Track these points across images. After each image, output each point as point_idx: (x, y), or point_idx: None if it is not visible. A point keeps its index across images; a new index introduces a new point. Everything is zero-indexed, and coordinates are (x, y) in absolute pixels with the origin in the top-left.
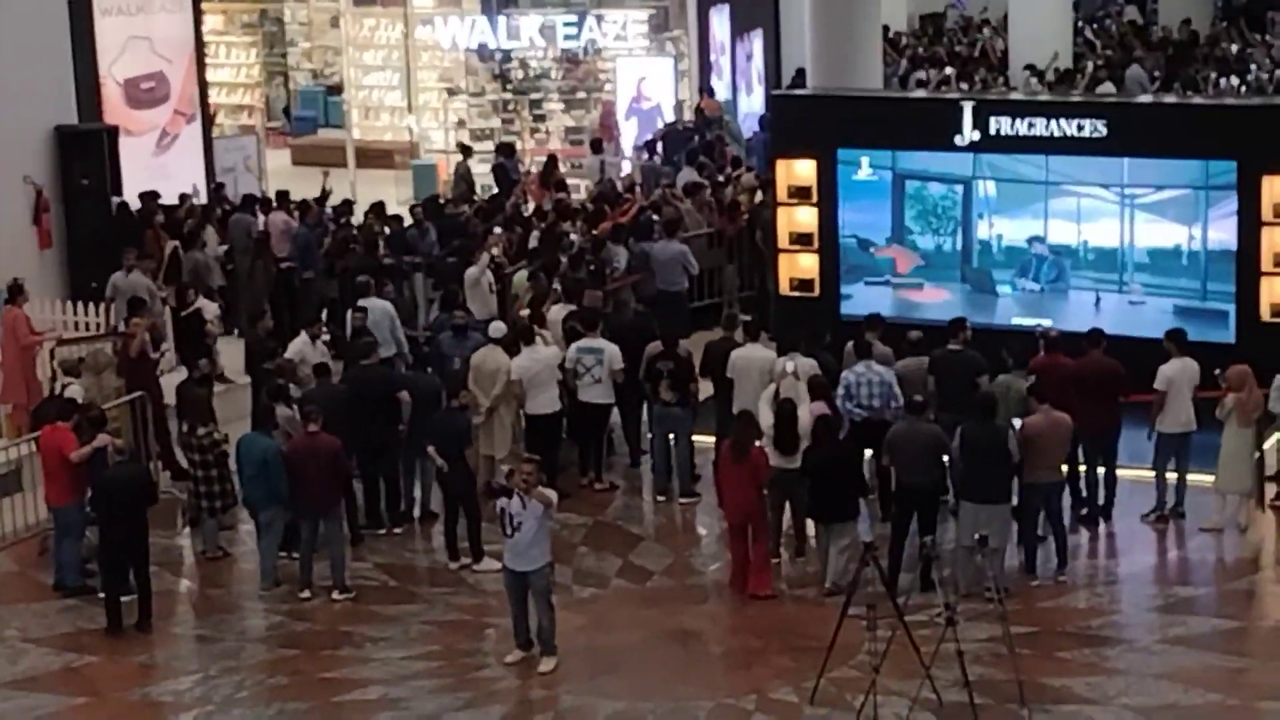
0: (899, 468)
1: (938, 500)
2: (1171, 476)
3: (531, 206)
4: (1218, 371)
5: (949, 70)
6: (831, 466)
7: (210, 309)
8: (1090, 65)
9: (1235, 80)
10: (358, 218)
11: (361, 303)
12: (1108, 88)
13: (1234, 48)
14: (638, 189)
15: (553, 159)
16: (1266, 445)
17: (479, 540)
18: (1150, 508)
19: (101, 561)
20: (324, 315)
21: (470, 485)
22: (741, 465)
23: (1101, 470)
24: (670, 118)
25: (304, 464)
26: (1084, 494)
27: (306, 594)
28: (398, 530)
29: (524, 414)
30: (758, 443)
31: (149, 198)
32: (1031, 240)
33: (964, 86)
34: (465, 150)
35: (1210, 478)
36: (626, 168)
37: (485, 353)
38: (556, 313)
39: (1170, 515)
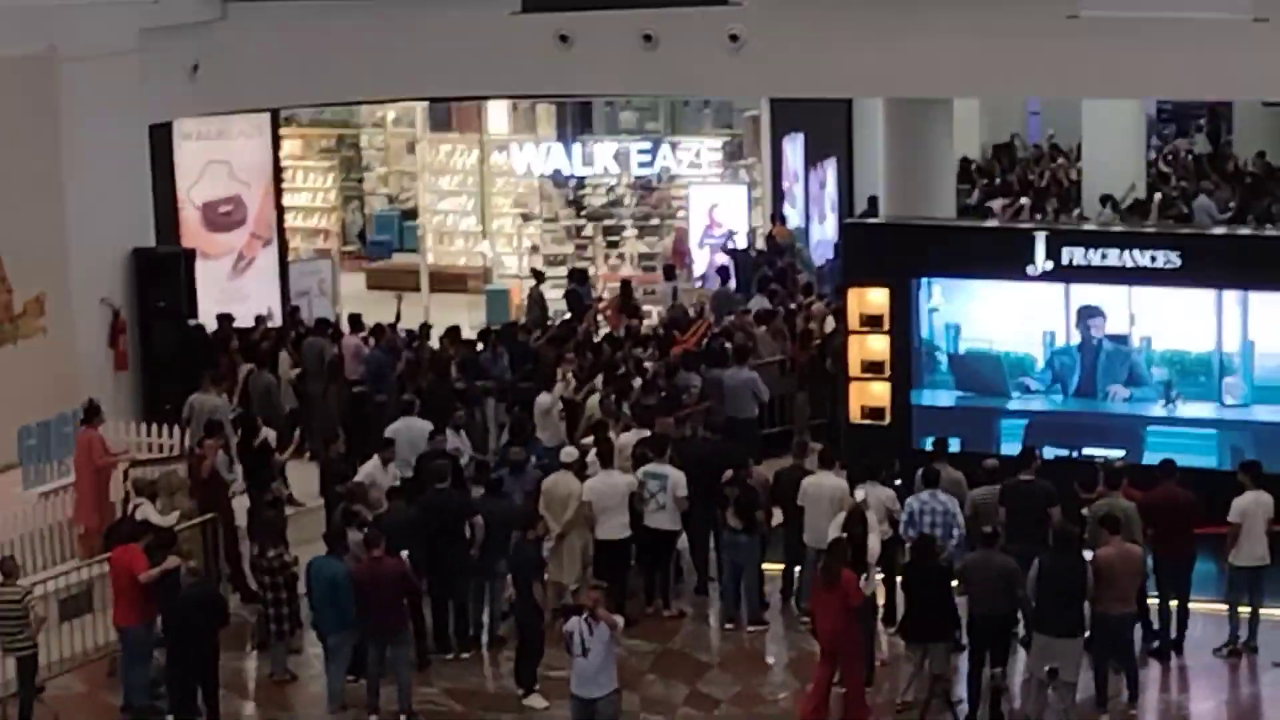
0: (972, 598)
1: (1010, 631)
2: (1245, 610)
3: (604, 331)
4: None
5: (1024, 200)
6: (930, 585)
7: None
8: (1160, 196)
9: None
10: (434, 341)
11: (400, 421)
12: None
13: None
14: (708, 312)
15: (627, 284)
16: None
17: (532, 674)
18: (1223, 642)
19: (170, 683)
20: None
21: (535, 617)
22: (832, 592)
23: (1174, 603)
24: (741, 244)
25: (369, 588)
26: (1155, 626)
27: (373, 718)
28: (465, 655)
29: (594, 539)
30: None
31: (224, 320)
32: None
33: (1037, 216)
34: (538, 275)
35: None
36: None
37: (557, 478)
38: (628, 439)
39: (1243, 650)
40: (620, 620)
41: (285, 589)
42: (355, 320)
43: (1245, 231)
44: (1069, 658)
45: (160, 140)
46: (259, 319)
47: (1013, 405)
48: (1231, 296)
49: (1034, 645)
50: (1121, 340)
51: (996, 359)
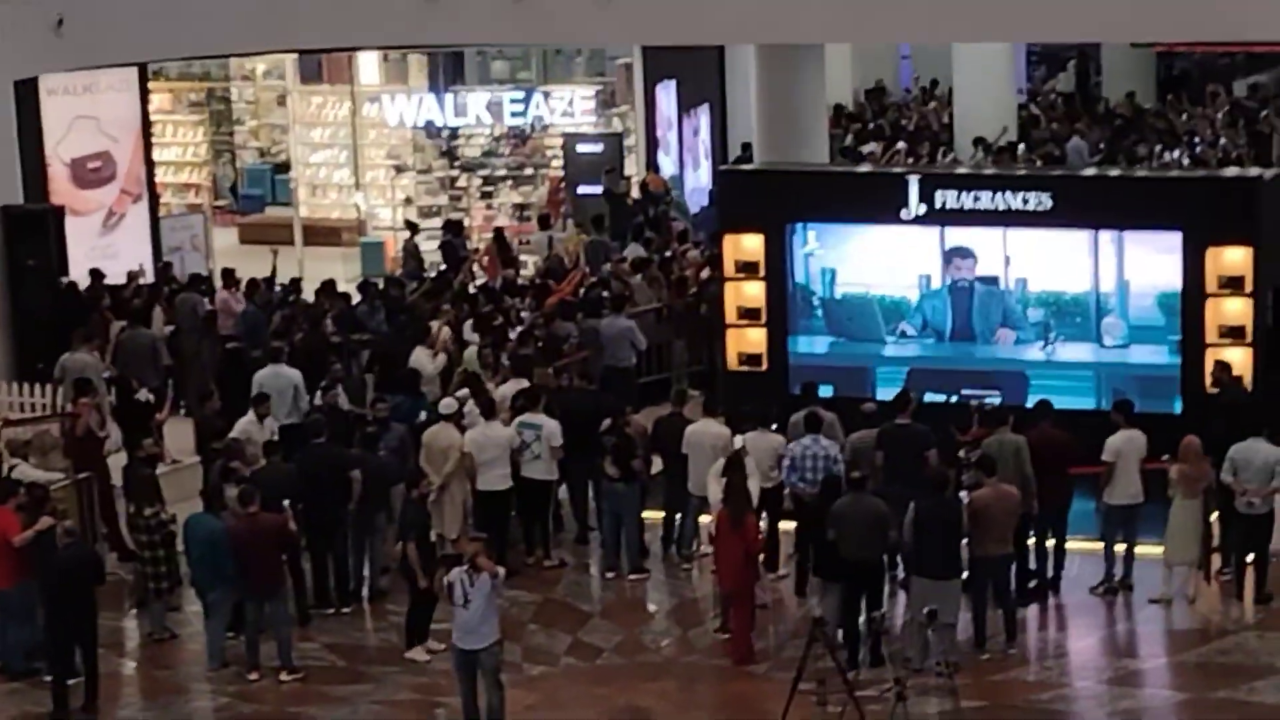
0: (843, 541)
1: (883, 574)
2: (1120, 548)
3: (479, 282)
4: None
5: (900, 145)
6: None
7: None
8: (1031, 137)
9: (1178, 153)
10: (307, 295)
11: (268, 369)
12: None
13: (1182, 117)
14: (583, 262)
15: (500, 233)
16: (1212, 518)
17: (421, 629)
18: (1099, 580)
19: (48, 644)
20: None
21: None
22: (735, 535)
23: (1051, 543)
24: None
25: (246, 544)
26: (1033, 567)
27: (254, 675)
28: (346, 610)
29: (475, 491)
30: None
31: (95, 276)
32: None
33: (910, 160)
34: (412, 227)
35: (1159, 549)
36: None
37: (437, 430)
38: (507, 389)
39: (1119, 587)
40: (501, 571)
41: (162, 547)
42: (229, 275)
43: (1115, 172)
44: (947, 599)
45: (26, 96)
46: (131, 275)
47: (888, 351)
48: (1106, 237)
49: (912, 588)
50: (993, 282)
51: (870, 303)
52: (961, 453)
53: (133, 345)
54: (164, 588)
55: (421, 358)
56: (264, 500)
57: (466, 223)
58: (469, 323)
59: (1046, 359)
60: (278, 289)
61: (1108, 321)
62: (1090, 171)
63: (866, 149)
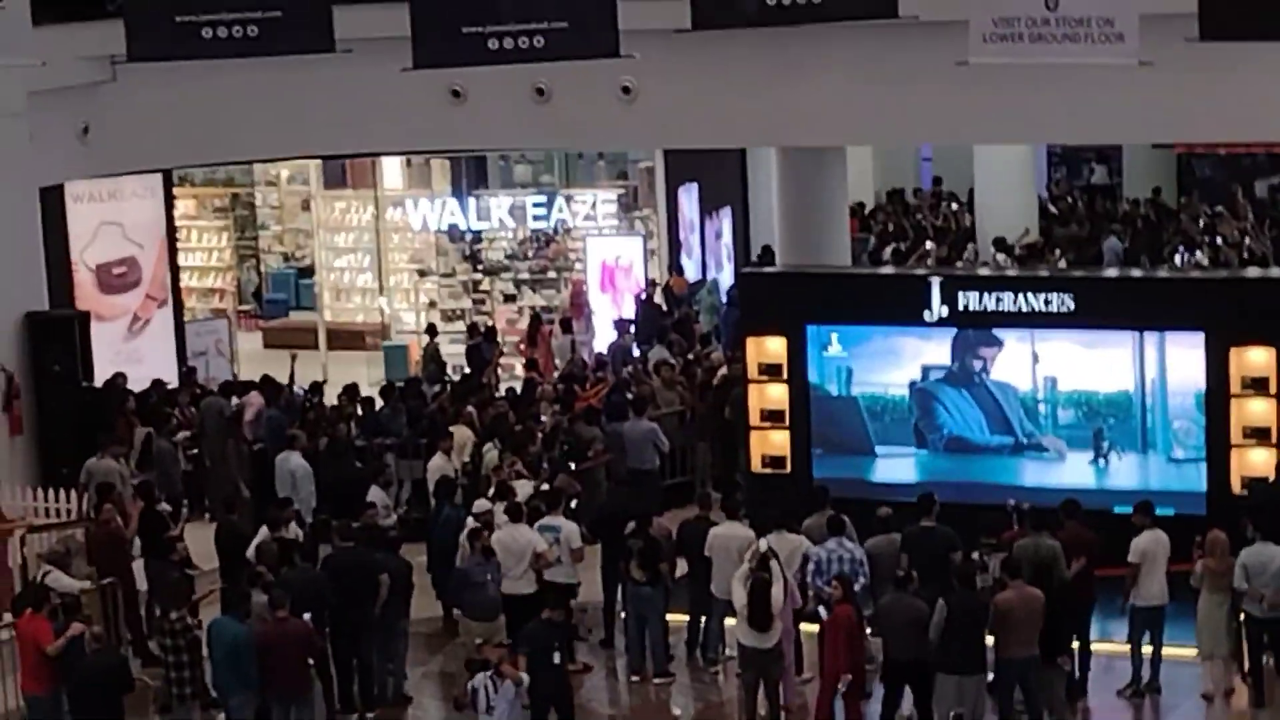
0: (887, 641)
1: (923, 674)
2: (1147, 650)
3: (503, 388)
4: (1197, 538)
5: (929, 244)
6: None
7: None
8: (1062, 234)
9: (1199, 254)
10: (331, 399)
11: (280, 458)
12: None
13: (1201, 219)
14: (609, 369)
15: (536, 317)
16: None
17: None
18: (1126, 683)
19: None
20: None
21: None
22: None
23: (1076, 645)
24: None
25: (274, 649)
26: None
27: None
28: (370, 715)
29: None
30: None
31: (117, 380)
32: None
33: (929, 262)
34: (432, 331)
35: (1186, 651)
36: (599, 346)
37: (473, 533)
38: (522, 491)
39: (1146, 690)
40: (525, 677)
41: (187, 652)
42: (267, 382)
43: (1138, 273)
44: (972, 695)
45: (51, 203)
46: (156, 382)
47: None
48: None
49: (938, 685)
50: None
51: (854, 404)
52: (975, 554)
53: (158, 454)
54: (188, 693)
55: (440, 463)
56: (292, 604)
57: (493, 324)
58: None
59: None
60: (300, 392)
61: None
62: (1113, 272)
63: (887, 252)
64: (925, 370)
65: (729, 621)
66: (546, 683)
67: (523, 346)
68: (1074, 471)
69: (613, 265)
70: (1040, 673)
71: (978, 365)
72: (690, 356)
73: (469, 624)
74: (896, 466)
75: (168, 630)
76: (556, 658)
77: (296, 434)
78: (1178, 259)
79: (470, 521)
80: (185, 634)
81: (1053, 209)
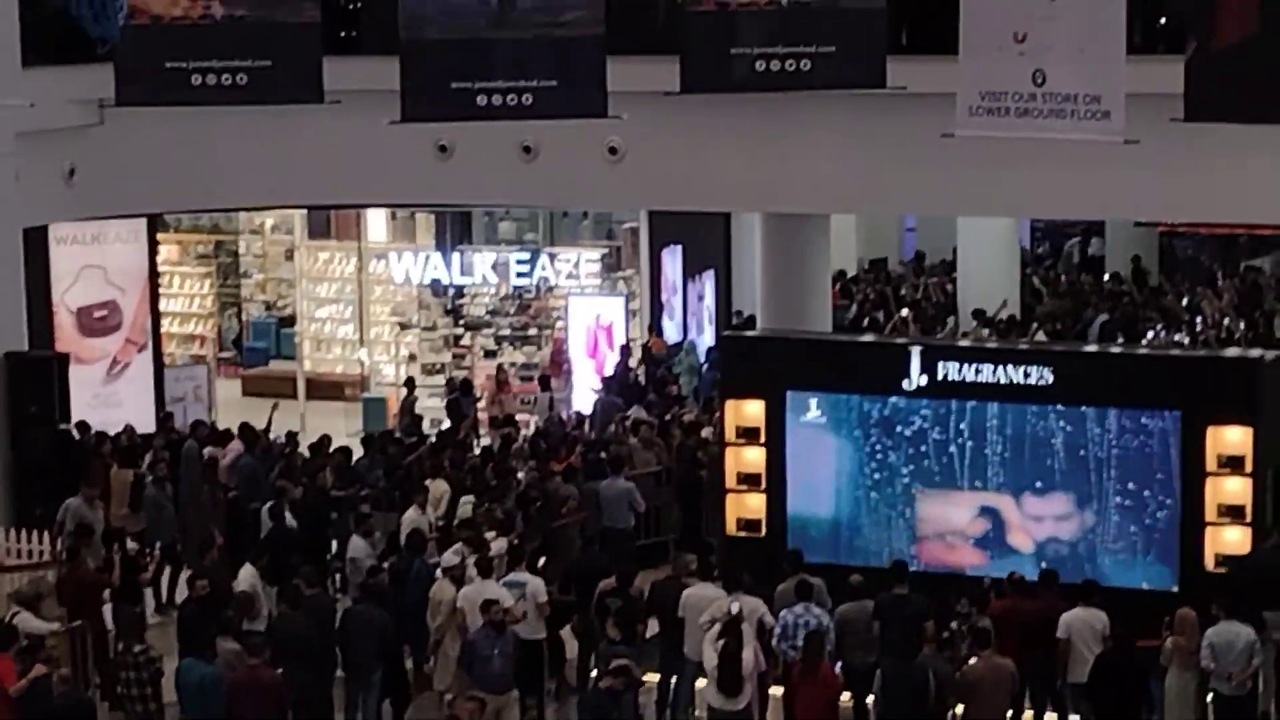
0: (888, 705)
1: None
2: None
3: (481, 443)
4: (1166, 619)
5: (905, 312)
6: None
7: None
8: (1044, 310)
9: (1180, 333)
10: (304, 449)
11: (266, 508)
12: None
13: (1184, 299)
14: (586, 425)
15: (500, 369)
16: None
17: None
18: None
19: None
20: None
21: None
22: (812, 683)
23: (1050, 717)
24: (617, 356)
25: (244, 697)
26: None
27: None
28: None
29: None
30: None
31: (81, 430)
32: None
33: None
34: (409, 384)
35: None
36: (577, 404)
37: (438, 586)
38: (498, 547)
39: None
40: None
41: (150, 684)
42: (246, 430)
43: (1116, 350)
44: None
45: (35, 244)
46: (127, 427)
47: None
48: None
49: None
50: None
51: None
52: (954, 624)
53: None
54: None
55: (413, 516)
56: (274, 655)
57: (471, 380)
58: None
59: None
60: (277, 441)
61: None
62: (1092, 348)
63: (876, 317)
64: None
65: (699, 683)
66: None
67: (488, 396)
68: None
69: (594, 327)
70: None
71: None
72: (668, 417)
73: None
74: None
75: (130, 663)
76: None
77: (285, 485)
78: (1150, 335)
79: (439, 574)
80: (148, 666)
81: (1036, 283)
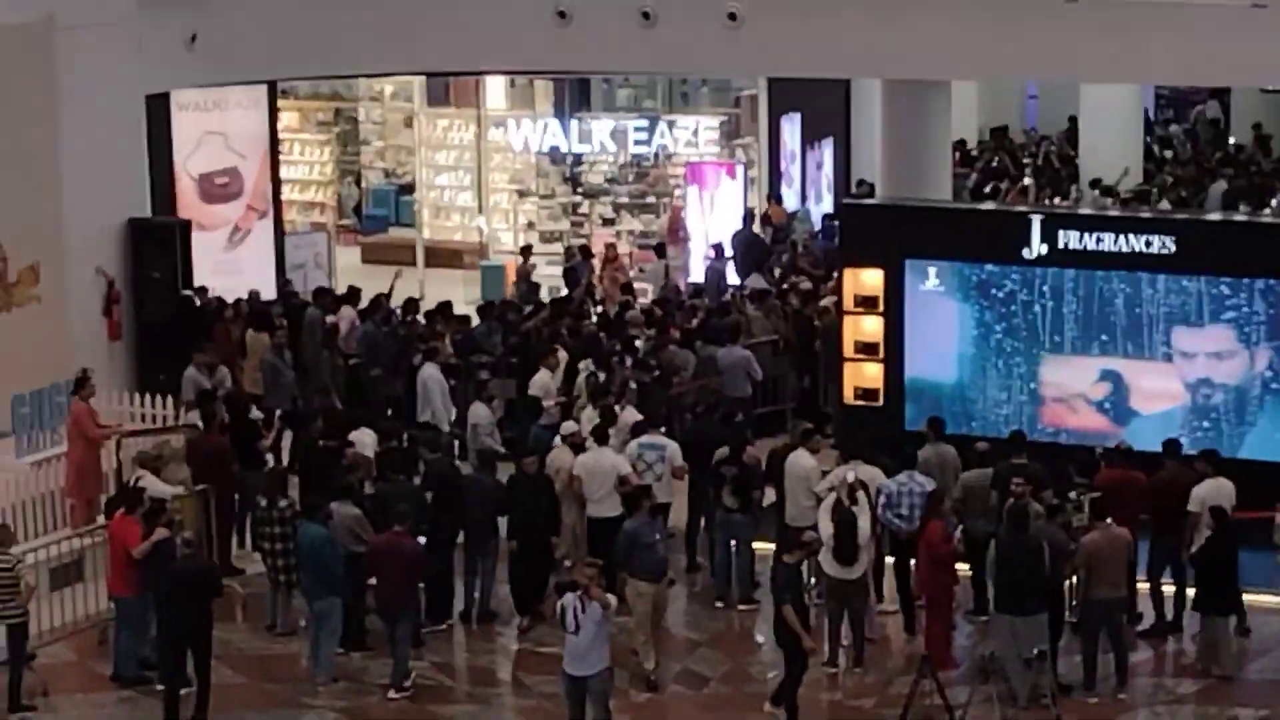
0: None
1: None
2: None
3: (598, 309)
4: None
5: (1028, 180)
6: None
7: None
8: (1170, 179)
9: None
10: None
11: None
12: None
13: None
14: (703, 295)
15: (610, 247)
16: None
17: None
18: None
19: (161, 653)
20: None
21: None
22: (921, 543)
23: (1171, 587)
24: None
25: (385, 565)
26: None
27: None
28: (441, 628)
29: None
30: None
31: (200, 294)
32: None
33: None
34: (526, 251)
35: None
36: (694, 274)
37: (556, 453)
38: (626, 417)
39: (1237, 633)
40: (613, 599)
41: (291, 539)
42: (353, 294)
43: (1240, 218)
44: (1031, 635)
45: (157, 111)
46: (251, 293)
47: None
48: None
49: (997, 625)
50: None
51: None
52: (1073, 494)
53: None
54: (291, 580)
55: (544, 380)
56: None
57: (589, 248)
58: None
59: None
60: (396, 309)
61: None
62: (1216, 216)
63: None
64: None
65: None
66: (780, 624)
67: (605, 283)
68: None
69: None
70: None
71: None
72: (785, 286)
73: (638, 584)
74: None
75: (277, 518)
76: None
77: (437, 346)
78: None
79: (558, 441)
80: (292, 520)
81: (1158, 151)
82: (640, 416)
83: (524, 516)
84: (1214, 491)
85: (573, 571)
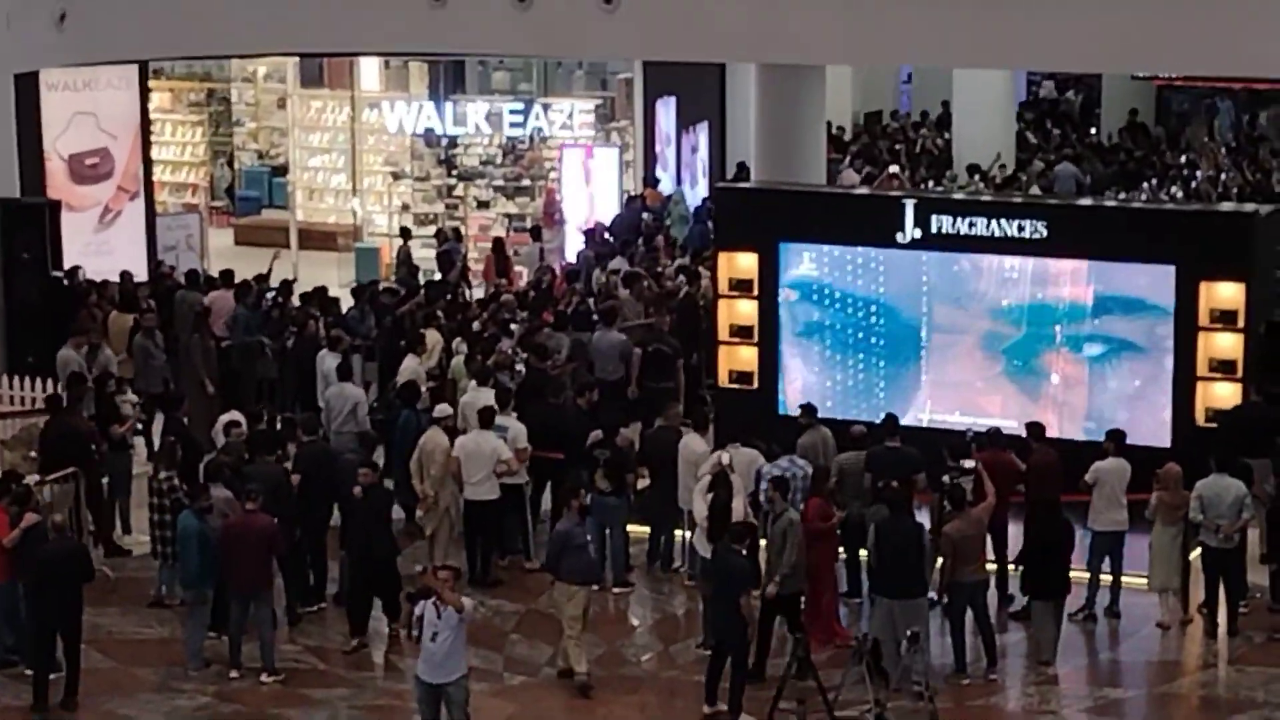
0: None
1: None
2: (1106, 578)
3: (477, 292)
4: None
5: (893, 168)
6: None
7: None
8: (1038, 165)
9: (1175, 188)
10: (297, 299)
11: (319, 355)
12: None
13: (1180, 152)
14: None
15: (500, 242)
16: (1192, 555)
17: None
18: (1078, 606)
19: (30, 637)
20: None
21: (740, 630)
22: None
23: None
24: (615, 209)
25: (238, 543)
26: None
27: (235, 674)
28: (313, 609)
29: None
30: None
31: (71, 275)
32: None
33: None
34: (405, 234)
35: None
36: (569, 255)
37: (430, 435)
38: (485, 398)
39: (1107, 614)
40: (469, 603)
41: (172, 512)
42: (226, 276)
43: (1111, 203)
44: (910, 618)
45: (25, 90)
46: (123, 273)
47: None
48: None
49: (877, 607)
50: None
51: None
52: (946, 478)
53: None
54: (171, 552)
55: (413, 365)
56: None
57: (463, 231)
58: (458, 331)
59: None
60: (270, 292)
61: None
62: (1086, 201)
63: (844, 170)
64: None
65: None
66: (728, 614)
67: (483, 269)
68: None
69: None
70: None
71: None
72: (659, 269)
73: (568, 588)
74: None
75: (159, 489)
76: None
77: (340, 335)
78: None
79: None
80: (172, 493)
81: (1030, 136)
82: (492, 400)
83: (360, 533)
84: (1113, 469)
85: (425, 577)
